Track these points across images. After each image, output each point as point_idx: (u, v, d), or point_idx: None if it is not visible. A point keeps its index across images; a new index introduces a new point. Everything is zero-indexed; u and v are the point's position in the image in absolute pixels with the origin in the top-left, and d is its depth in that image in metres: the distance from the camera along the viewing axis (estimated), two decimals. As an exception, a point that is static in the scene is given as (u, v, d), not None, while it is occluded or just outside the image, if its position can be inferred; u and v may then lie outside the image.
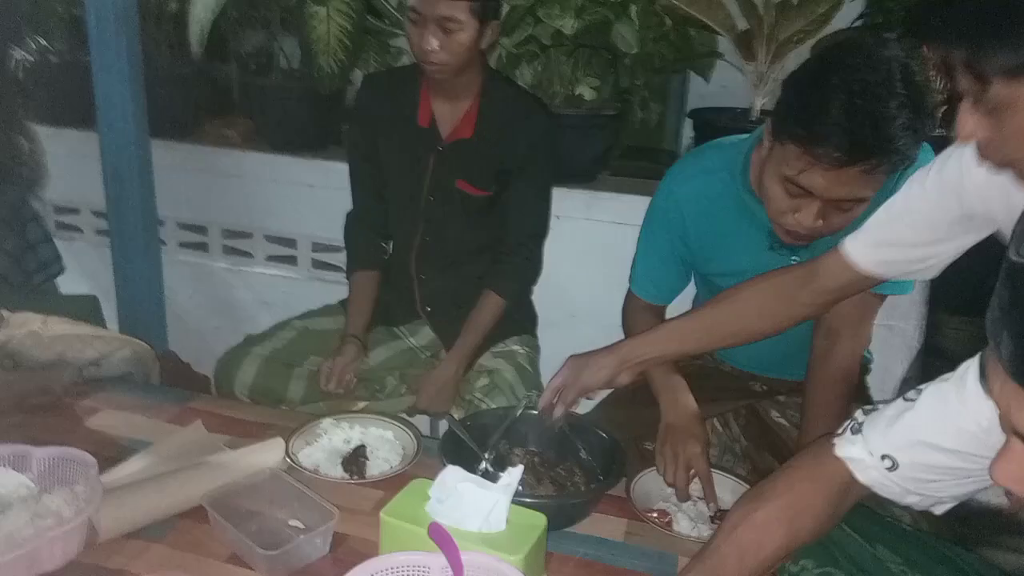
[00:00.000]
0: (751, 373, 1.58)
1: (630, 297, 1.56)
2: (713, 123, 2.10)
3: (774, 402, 1.56)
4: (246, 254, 2.76)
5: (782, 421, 1.54)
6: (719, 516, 1.23)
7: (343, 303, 1.82)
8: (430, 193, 1.68)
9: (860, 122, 1.05)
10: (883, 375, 2.08)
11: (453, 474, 1.04)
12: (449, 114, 1.64)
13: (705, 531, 1.19)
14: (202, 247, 2.79)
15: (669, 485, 1.27)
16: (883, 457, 0.91)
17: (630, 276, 1.54)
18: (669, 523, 1.21)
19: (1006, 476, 0.65)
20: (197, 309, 2.84)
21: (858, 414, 0.96)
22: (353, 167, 1.78)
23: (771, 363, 1.54)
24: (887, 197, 1.23)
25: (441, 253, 1.73)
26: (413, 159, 1.67)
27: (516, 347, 1.75)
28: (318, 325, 1.79)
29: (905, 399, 0.91)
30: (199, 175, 2.66)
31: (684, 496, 1.25)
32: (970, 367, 0.86)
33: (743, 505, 0.98)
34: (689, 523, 1.20)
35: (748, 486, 1.27)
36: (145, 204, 2.31)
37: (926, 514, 1.00)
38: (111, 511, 1.05)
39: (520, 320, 1.81)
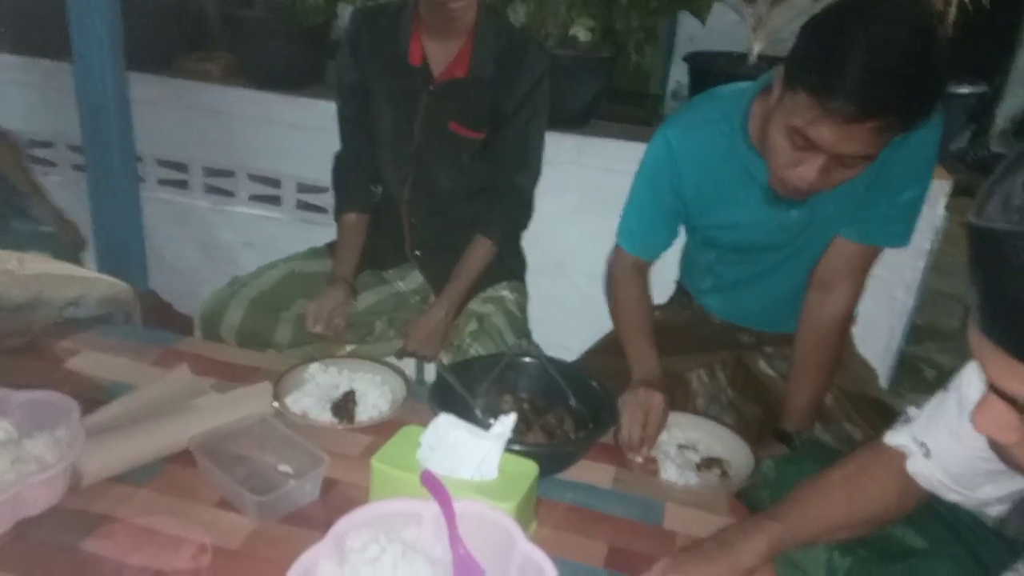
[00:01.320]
0: (739, 325, 1.57)
1: (617, 253, 1.51)
2: (709, 68, 2.06)
3: (762, 353, 1.56)
4: (228, 193, 2.70)
5: (770, 372, 1.54)
6: (705, 464, 1.24)
7: (331, 246, 1.78)
8: (421, 135, 1.63)
9: (879, 78, 1.01)
10: (864, 325, 2.09)
11: (446, 422, 1.03)
12: (442, 53, 1.58)
13: (692, 479, 1.20)
14: (182, 185, 2.73)
15: (623, 432, 1.24)
16: (920, 444, 0.93)
17: (618, 230, 1.50)
18: (656, 471, 1.21)
19: (984, 424, 0.67)
20: (178, 248, 2.79)
21: (910, 409, 0.98)
22: (341, 107, 1.72)
23: (760, 316, 1.53)
24: (890, 159, 1.20)
25: (432, 196, 1.69)
26: (404, 99, 1.62)
27: (505, 292, 1.73)
28: (306, 267, 1.75)
29: (944, 389, 0.93)
30: (179, 111, 2.58)
31: (635, 445, 1.23)
32: (962, 375, 0.88)
33: (818, 473, 1.00)
34: (676, 471, 1.21)
35: (735, 434, 1.28)
36: (123, 139, 2.25)
37: None
38: (95, 455, 1.03)
39: (509, 266, 1.79)
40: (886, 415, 1.40)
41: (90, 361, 1.36)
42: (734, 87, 1.37)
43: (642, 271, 1.50)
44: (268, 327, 1.62)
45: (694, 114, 1.38)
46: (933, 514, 0.98)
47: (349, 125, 1.72)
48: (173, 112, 2.58)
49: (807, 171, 1.13)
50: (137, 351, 1.40)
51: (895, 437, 0.97)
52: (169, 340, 1.47)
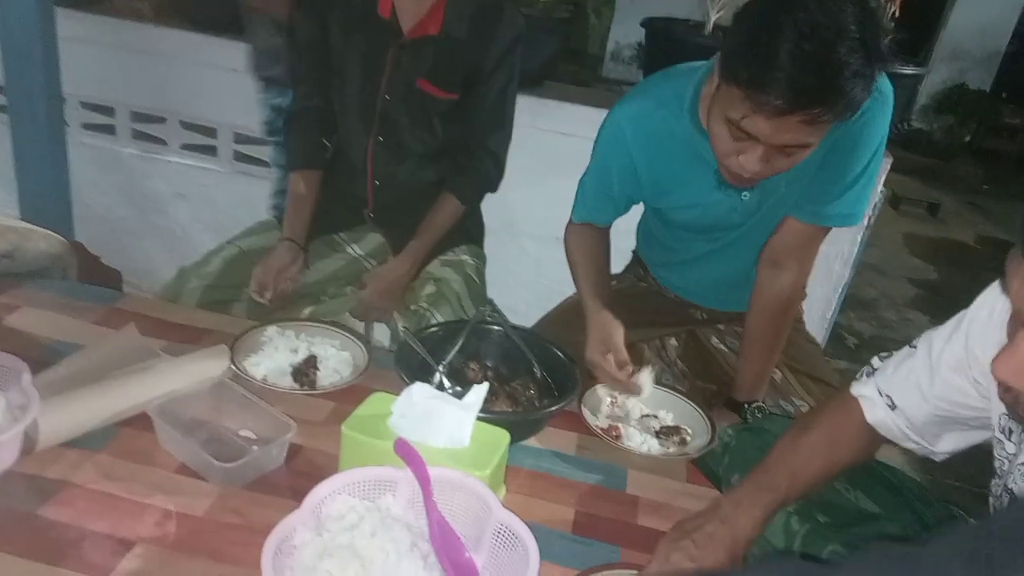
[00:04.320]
0: (692, 302, 1.60)
1: (570, 223, 1.52)
2: (666, 33, 2.06)
3: (714, 329, 1.59)
4: (159, 140, 2.57)
5: (721, 347, 1.58)
6: (664, 432, 1.27)
7: (280, 219, 1.69)
8: (387, 91, 1.57)
9: (806, 69, 1.00)
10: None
11: (420, 391, 1.02)
12: (413, 6, 1.51)
13: (654, 446, 1.23)
14: (108, 130, 2.58)
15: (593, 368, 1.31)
16: (886, 395, 0.97)
17: (574, 205, 1.50)
18: (618, 437, 1.24)
19: (1006, 370, 0.69)
20: (104, 198, 2.66)
21: (874, 360, 1.02)
22: (296, 61, 1.64)
23: (712, 292, 1.56)
24: (841, 140, 1.23)
25: (398, 156, 1.64)
26: (369, 53, 1.55)
27: (465, 257, 1.71)
28: (256, 244, 1.65)
29: (911, 345, 0.97)
30: (106, 50, 2.43)
31: (622, 389, 1.28)
32: (933, 340, 0.92)
33: (790, 434, 1.03)
34: (638, 437, 1.24)
35: (693, 403, 1.32)
36: (48, 80, 2.10)
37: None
38: (48, 419, 0.98)
39: (469, 229, 1.76)
40: (831, 392, 1.46)
41: (31, 318, 1.28)
42: (684, 67, 1.35)
43: (601, 230, 1.51)
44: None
45: (647, 97, 1.36)
46: (883, 481, 1.03)
47: (303, 77, 1.64)
48: (100, 52, 2.42)
49: (748, 160, 1.13)
50: (79, 309, 1.33)
51: (861, 388, 1.01)
52: (112, 298, 1.40)
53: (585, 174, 1.47)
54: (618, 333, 1.31)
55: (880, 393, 0.98)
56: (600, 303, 1.38)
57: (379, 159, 1.64)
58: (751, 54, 1.04)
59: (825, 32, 0.99)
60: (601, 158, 1.41)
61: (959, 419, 0.91)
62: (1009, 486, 0.84)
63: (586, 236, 1.50)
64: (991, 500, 0.91)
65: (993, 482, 0.89)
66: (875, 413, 0.99)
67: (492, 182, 1.68)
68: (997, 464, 0.88)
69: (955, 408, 0.90)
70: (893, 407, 0.96)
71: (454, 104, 1.57)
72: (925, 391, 0.92)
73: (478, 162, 1.63)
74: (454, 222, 1.66)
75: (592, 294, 1.41)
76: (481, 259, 1.77)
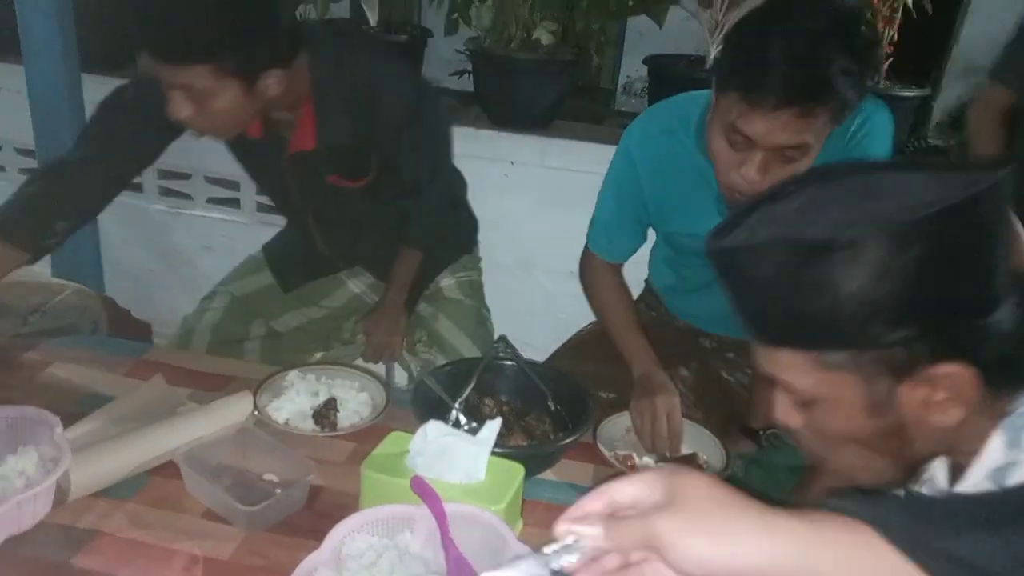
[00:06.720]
0: (700, 329, 1.61)
1: (587, 254, 1.55)
2: (669, 70, 2.10)
3: (724, 361, 1.60)
4: (185, 196, 2.66)
5: (731, 380, 1.59)
6: (679, 460, 1.28)
7: (265, 251, 1.76)
8: (301, 191, 1.54)
9: (797, 65, 1.05)
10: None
11: (435, 428, 1.05)
12: (284, 121, 1.41)
13: (669, 475, 1.24)
14: (136, 188, 2.67)
15: (643, 437, 1.30)
16: None
17: (588, 234, 1.53)
18: (634, 467, 1.26)
19: (778, 416, 0.78)
20: (132, 253, 2.74)
21: None
22: (96, 127, 1.59)
23: (720, 320, 1.57)
24: (835, 152, 1.24)
25: (343, 226, 1.63)
26: (266, 166, 1.51)
27: (459, 274, 1.74)
28: (246, 288, 1.69)
29: None
30: (132, 112, 2.53)
31: (662, 447, 1.29)
32: None
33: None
34: (654, 466, 1.25)
35: (707, 430, 1.33)
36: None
37: None
38: (79, 470, 1.02)
39: (455, 243, 1.76)
40: None
41: (62, 373, 1.33)
42: (692, 95, 1.38)
43: (615, 268, 1.54)
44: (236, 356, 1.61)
45: (653, 123, 1.40)
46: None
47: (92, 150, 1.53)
48: (127, 114, 2.52)
49: (749, 170, 1.15)
50: (108, 362, 1.38)
51: None
52: (140, 350, 1.45)
53: (597, 206, 1.50)
54: (672, 407, 1.32)
55: None
56: (648, 358, 1.41)
57: (328, 234, 1.65)
58: (745, 59, 1.10)
59: (812, 34, 1.06)
60: (614, 183, 1.45)
61: None
62: None
63: (607, 279, 1.52)
64: None
65: None
66: None
67: (444, 222, 1.64)
68: None
69: None
70: None
71: (375, 180, 1.51)
72: None
73: (423, 208, 1.58)
74: (420, 264, 1.62)
75: (631, 343, 1.44)
76: (472, 269, 1.79)
